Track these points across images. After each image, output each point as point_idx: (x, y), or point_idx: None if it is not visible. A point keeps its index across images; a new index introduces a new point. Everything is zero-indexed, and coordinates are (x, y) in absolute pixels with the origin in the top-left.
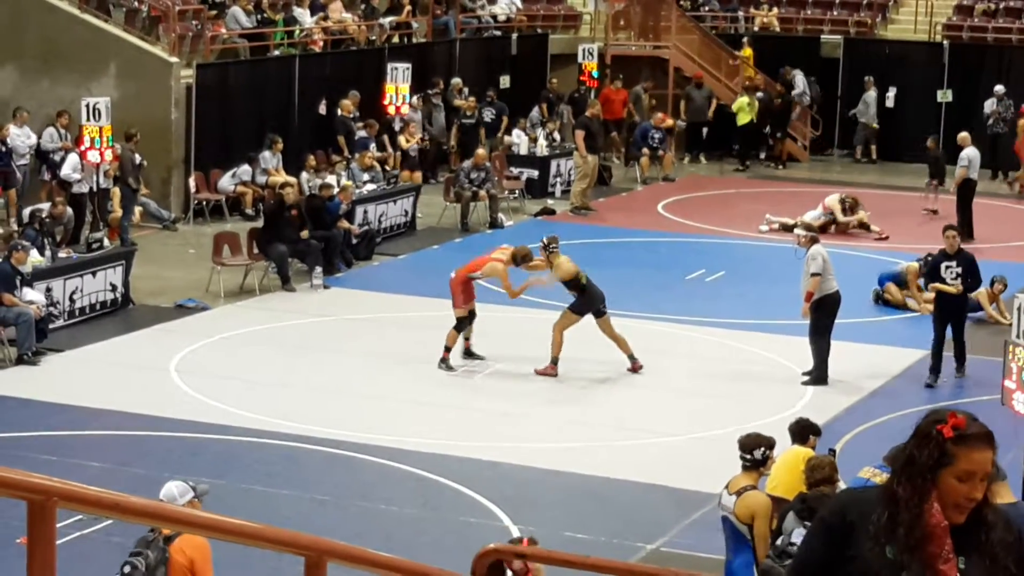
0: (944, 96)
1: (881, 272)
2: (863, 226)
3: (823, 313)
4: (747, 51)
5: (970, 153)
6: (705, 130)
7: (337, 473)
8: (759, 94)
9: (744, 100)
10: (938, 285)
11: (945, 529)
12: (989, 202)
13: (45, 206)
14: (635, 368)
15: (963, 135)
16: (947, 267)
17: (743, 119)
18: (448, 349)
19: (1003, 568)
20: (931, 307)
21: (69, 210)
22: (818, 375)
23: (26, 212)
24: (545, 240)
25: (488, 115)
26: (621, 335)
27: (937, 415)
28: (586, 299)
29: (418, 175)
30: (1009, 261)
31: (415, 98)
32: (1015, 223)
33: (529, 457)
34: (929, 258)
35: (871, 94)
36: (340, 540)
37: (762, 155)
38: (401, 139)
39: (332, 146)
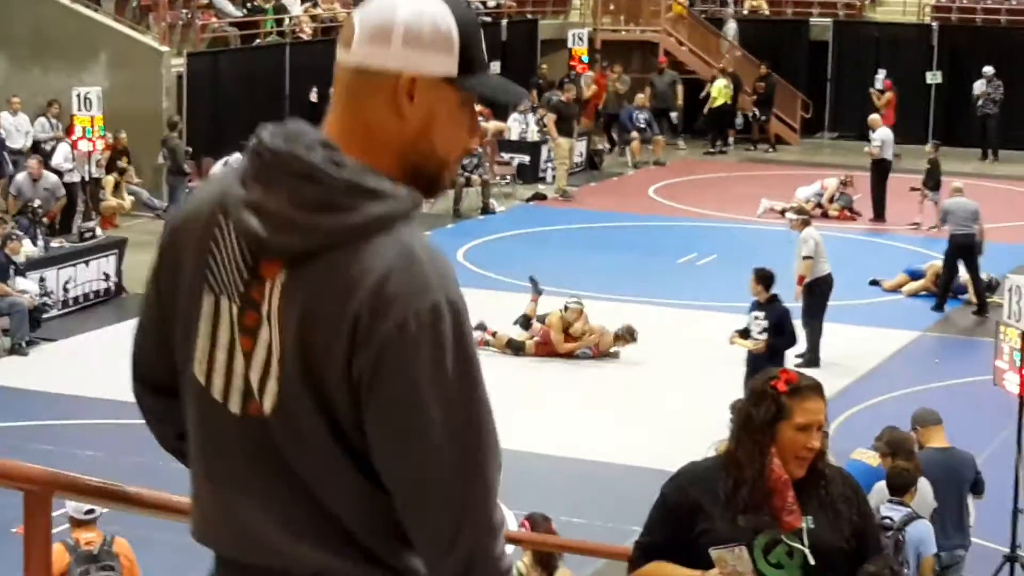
0: (933, 78)
1: (908, 267)
2: (851, 210)
3: (816, 296)
4: (677, 7)
5: (882, 134)
6: (674, 115)
7: None
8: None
9: (722, 83)
10: (738, 340)
11: (786, 483)
12: (977, 183)
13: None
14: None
15: (874, 117)
16: (755, 317)
17: (719, 102)
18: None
19: (847, 520)
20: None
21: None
22: (811, 357)
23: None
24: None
25: None
26: None
27: (769, 373)
28: None
29: None
30: (1000, 242)
31: None
32: (1002, 203)
33: (527, 442)
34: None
35: (731, 25)
36: None
37: (755, 140)
38: None
39: None
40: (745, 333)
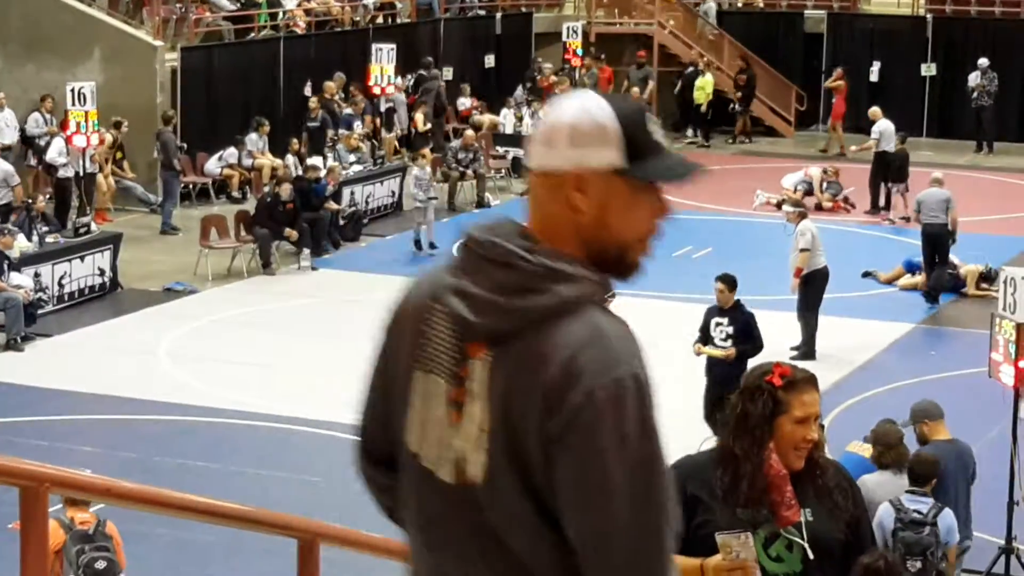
0: (928, 70)
1: (906, 259)
2: (847, 201)
3: (812, 288)
4: None
5: (882, 127)
6: None
7: (328, 454)
8: (689, 70)
9: (709, 79)
10: (705, 348)
11: (785, 477)
12: (972, 175)
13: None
14: None
15: (874, 109)
16: (717, 324)
17: (706, 97)
18: None
19: (844, 511)
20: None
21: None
22: (806, 350)
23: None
24: None
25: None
26: None
27: (761, 369)
28: None
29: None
30: (995, 234)
31: (407, 78)
32: (997, 195)
33: None
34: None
35: (710, 5)
36: (332, 522)
37: (737, 132)
38: (419, 118)
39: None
40: (704, 341)
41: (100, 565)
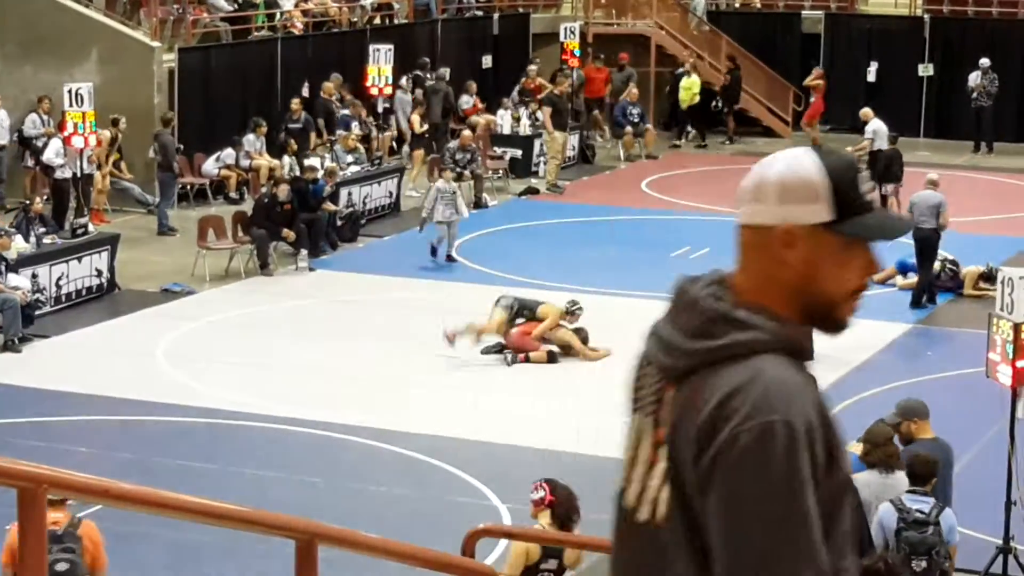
0: (925, 70)
1: (899, 260)
2: None
3: None
4: None
5: (875, 126)
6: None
7: (326, 455)
8: (679, 71)
9: (695, 80)
10: None
11: None
12: (970, 175)
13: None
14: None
15: (865, 110)
16: None
17: (698, 98)
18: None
19: None
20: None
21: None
22: None
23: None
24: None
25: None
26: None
27: None
28: None
29: (419, 154)
30: (993, 234)
31: (404, 79)
32: (994, 197)
33: (517, 437)
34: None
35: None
36: (330, 522)
37: (730, 132)
38: (415, 119)
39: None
40: None
41: (61, 567)
